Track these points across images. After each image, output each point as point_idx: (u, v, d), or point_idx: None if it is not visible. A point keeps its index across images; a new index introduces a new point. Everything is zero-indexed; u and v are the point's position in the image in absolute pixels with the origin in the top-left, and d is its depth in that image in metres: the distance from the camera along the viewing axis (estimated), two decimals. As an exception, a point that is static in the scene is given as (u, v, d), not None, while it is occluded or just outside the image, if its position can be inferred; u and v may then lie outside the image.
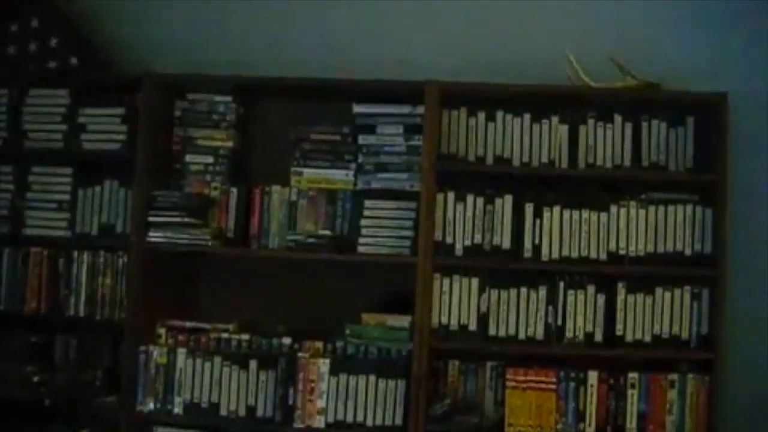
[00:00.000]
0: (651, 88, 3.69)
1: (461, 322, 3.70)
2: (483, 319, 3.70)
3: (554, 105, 3.75)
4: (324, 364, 3.65)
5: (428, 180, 3.63)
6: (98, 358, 3.84)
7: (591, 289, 3.68)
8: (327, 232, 3.73)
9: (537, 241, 3.70)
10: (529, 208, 3.71)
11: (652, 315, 3.65)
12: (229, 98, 3.85)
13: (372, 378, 3.63)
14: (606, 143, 3.74)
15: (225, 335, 3.73)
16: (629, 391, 3.62)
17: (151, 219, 3.74)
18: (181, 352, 3.71)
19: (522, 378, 3.65)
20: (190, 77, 3.83)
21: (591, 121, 3.74)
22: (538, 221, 3.70)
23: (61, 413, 3.75)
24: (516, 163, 3.76)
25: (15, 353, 3.82)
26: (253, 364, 3.68)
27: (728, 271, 3.59)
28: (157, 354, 3.72)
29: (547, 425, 3.63)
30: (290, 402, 3.65)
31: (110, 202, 3.86)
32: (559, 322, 3.68)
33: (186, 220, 3.73)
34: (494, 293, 3.70)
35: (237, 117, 3.86)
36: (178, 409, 3.71)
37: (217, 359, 3.70)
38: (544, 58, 3.73)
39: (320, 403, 3.64)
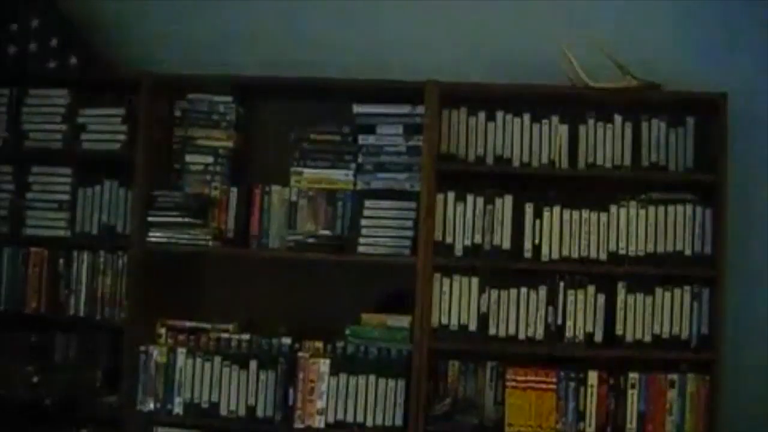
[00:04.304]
0: (651, 88, 3.69)
1: (461, 322, 3.70)
2: (483, 319, 3.70)
3: (554, 105, 3.75)
4: (324, 364, 3.65)
5: (428, 180, 3.63)
6: (98, 358, 3.84)
7: (591, 289, 3.68)
8: (327, 232, 3.73)
9: (537, 241, 3.70)
10: (529, 208, 3.71)
11: (652, 315, 3.65)
12: (229, 98, 3.85)
13: (372, 378, 3.63)
14: (606, 143, 3.74)
15: (225, 335, 3.73)
16: (629, 391, 3.62)
17: (151, 219, 3.74)
18: (181, 352, 3.72)
19: (522, 378, 3.65)
20: (190, 77, 3.83)
21: (591, 121, 3.74)
22: (538, 221, 3.70)
23: (61, 413, 3.75)
24: (516, 163, 3.76)
25: (15, 353, 3.82)
26: (253, 364, 3.68)
27: (728, 271, 3.59)
28: (157, 354, 3.72)
29: (547, 425, 3.63)
30: (290, 402, 3.65)
31: (110, 202, 3.86)
32: (559, 322, 3.67)
33: (186, 220, 3.74)
34: (494, 293, 3.70)
35: (237, 117, 3.86)
36: (178, 409, 3.71)
37: (217, 359, 3.70)
38: (545, 58, 3.73)
39: (320, 403, 3.64)
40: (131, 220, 3.78)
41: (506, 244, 3.70)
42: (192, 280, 3.95)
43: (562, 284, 3.68)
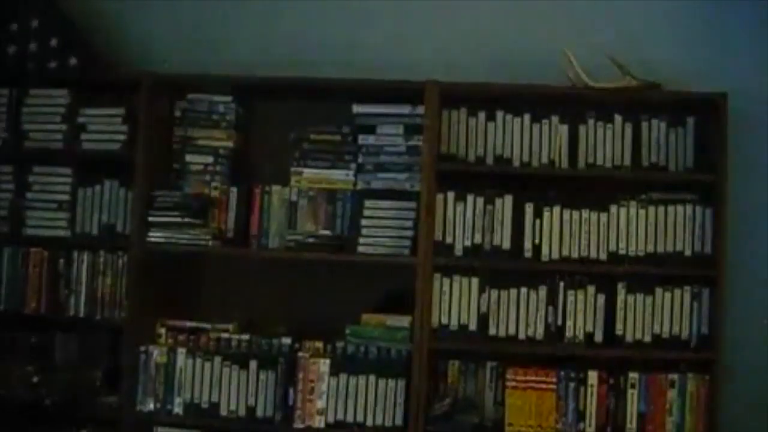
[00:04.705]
0: (651, 88, 3.69)
1: (461, 322, 3.70)
2: (483, 319, 3.70)
3: (554, 105, 3.76)
4: (324, 364, 3.65)
5: (428, 180, 3.63)
6: (98, 358, 3.84)
7: (591, 289, 3.68)
8: (327, 232, 3.73)
9: (537, 241, 3.70)
10: (529, 208, 3.71)
11: (652, 315, 3.65)
12: (229, 98, 3.85)
13: (372, 378, 3.63)
14: (606, 143, 3.74)
15: (225, 335, 3.73)
16: (629, 391, 3.62)
17: (151, 219, 3.74)
18: (181, 352, 3.72)
19: (522, 378, 3.65)
20: (190, 77, 3.83)
21: (591, 121, 3.75)
22: (538, 221, 3.70)
23: (61, 413, 3.75)
24: (516, 163, 3.76)
25: (15, 353, 3.82)
26: (253, 364, 3.68)
27: (728, 271, 3.59)
28: (157, 354, 3.72)
29: (547, 425, 3.63)
30: (290, 402, 3.65)
31: (110, 202, 3.86)
32: (559, 322, 3.68)
33: (186, 220, 3.74)
34: (494, 293, 3.70)
35: (237, 117, 3.86)
36: (178, 409, 3.71)
37: (217, 359, 3.70)
38: (544, 58, 3.73)
39: (320, 403, 3.64)
40: (131, 220, 3.78)
41: (506, 244, 3.70)
42: (192, 280, 3.95)
43: (562, 284, 3.68)
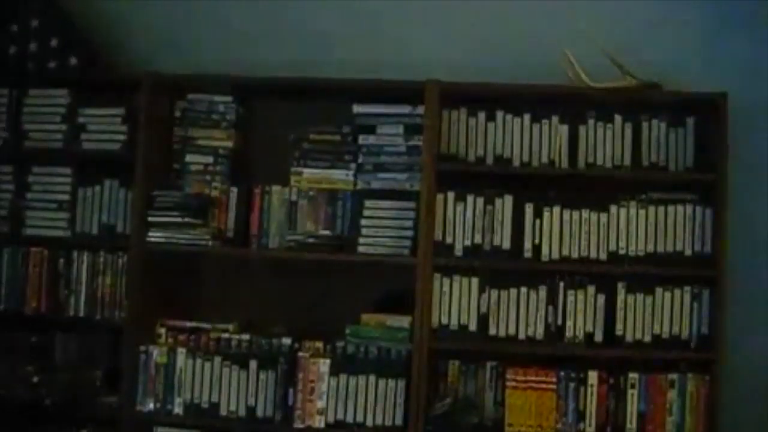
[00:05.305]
0: (651, 88, 3.69)
1: (461, 322, 3.70)
2: (483, 319, 3.70)
3: (554, 105, 3.75)
4: (324, 364, 3.65)
5: (428, 180, 3.64)
6: (98, 358, 3.84)
7: (591, 289, 3.68)
8: (327, 232, 3.73)
9: (537, 241, 3.70)
10: (529, 208, 3.71)
11: (652, 315, 3.65)
12: (229, 98, 3.85)
13: (372, 378, 3.63)
14: (606, 143, 3.74)
15: (225, 335, 3.73)
16: (629, 391, 3.62)
17: (151, 219, 3.74)
18: (181, 352, 3.72)
19: (522, 378, 3.65)
20: (190, 77, 3.83)
21: (591, 121, 3.74)
22: (538, 221, 3.70)
23: (61, 413, 3.75)
24: (516, 163, 3.76)
25: (15, 353, 3.82)
26: (253, 364, 3.68)
27: (728, 271, 3.59)
28: (157, 354, 3.72)
29: (547, 425, 3.63)
30: (290, 402, 3.65)
31: (110, 202, 3.87)
32: (559, 322, 3.67)
33: (186, 220, 3.74)
34: (494, 293, 3.70)
35: (237, 117, 3.87)
36: (178, 409, 3.71)
37: (217, 359, 3.70)
38: (544, 58, 3.73)
39: (320, 403, 3.64)
40: (131, 220, 3.78)
41: (506, 244, 3.70)
42: (192, 280, 3.95)
43: (562, 284, 3.68)
